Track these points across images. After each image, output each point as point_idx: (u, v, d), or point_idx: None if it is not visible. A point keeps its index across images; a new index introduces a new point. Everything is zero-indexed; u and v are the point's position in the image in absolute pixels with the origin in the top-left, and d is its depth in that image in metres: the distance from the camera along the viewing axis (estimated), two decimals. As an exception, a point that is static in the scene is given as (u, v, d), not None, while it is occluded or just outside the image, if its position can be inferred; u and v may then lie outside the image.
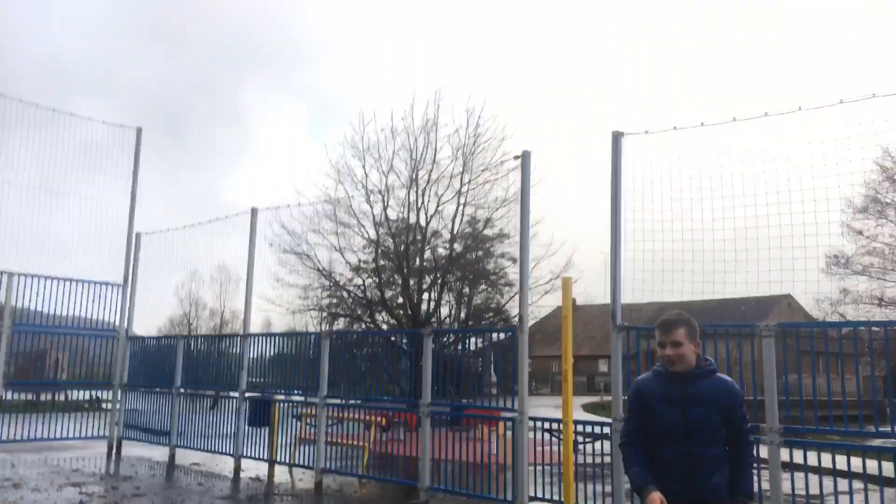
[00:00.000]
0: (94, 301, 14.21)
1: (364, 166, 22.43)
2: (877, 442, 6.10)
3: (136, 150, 15.01)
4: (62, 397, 17.85)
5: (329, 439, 10.51)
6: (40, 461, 11.51)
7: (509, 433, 8.64)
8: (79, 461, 11.65)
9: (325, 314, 25.41)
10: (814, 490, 5.99)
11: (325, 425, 10.35)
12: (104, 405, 17.71)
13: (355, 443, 10.89)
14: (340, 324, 25.60)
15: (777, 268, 6.49)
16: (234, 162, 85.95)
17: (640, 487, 3.38)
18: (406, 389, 10.22)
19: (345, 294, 23.69)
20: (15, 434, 13.55)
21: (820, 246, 6.33)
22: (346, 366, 10.94)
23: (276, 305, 23.04)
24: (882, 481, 6.07)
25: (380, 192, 22.12)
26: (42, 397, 17.58)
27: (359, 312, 24.56)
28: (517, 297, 22.02)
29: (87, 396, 17.90)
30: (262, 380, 12.11)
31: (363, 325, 23.88)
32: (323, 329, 24.57)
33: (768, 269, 6.57)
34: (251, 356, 11.93)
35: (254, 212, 12.42)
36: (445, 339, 13.25)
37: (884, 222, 27.89)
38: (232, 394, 12.10)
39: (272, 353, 12.14)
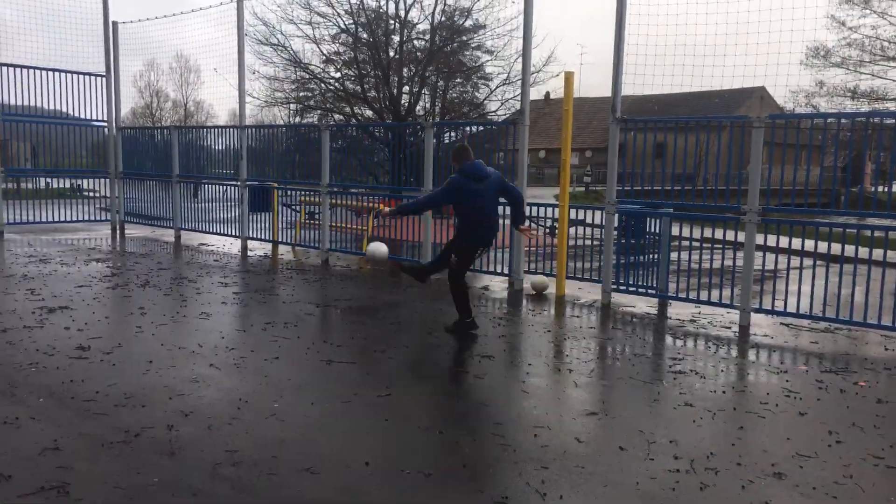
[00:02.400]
0: (78, 92, 14.14)
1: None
2: (839, 220, 7.13)
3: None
4: (41, 185, 18.25)
5: (331, 224, 11.40)
6: (54, 241, 12.21)
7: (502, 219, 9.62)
8: (91, 241, 12.38)
9: (297, 107, 25.34)
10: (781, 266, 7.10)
11: (328, 211, 11.18)
12: (87, 193, 18.24)
13: (355, 227, 11.94)
14: (314, 117, 25.65)
15: (760, 62, 7.04)
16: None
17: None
18: (405, 179, 10.94)
19: (322, 86, 23.48)
20: (23, 217, 14.17)
21: (804, 41, 6.87)
22: (344, 157, 11.60)
23: (254, 97, 22.88)
24: (829, 256, 7.23)
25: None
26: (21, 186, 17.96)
27: (329, 105, 24.56)
28: (498, 90, 22.26)
29: (66, 185, 18.35)
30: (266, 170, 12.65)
31: (334, 118, 24.01)
32: (293, 121, 24.69)
33: (754, 64, 7.12)
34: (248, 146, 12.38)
35: (240, 1, 12.14)
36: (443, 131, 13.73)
37: (867, 13, 28.01)
38: (233, 183, 12.71)
39: (266, 145, 12.60)
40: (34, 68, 13.45)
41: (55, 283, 8.11)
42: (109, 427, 3.84)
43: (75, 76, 14.02)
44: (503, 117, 21.42)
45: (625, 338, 6.50)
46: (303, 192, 12.34)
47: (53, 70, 13.69)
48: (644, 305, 7.94)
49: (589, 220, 9.64)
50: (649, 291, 8.04)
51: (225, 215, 13.43)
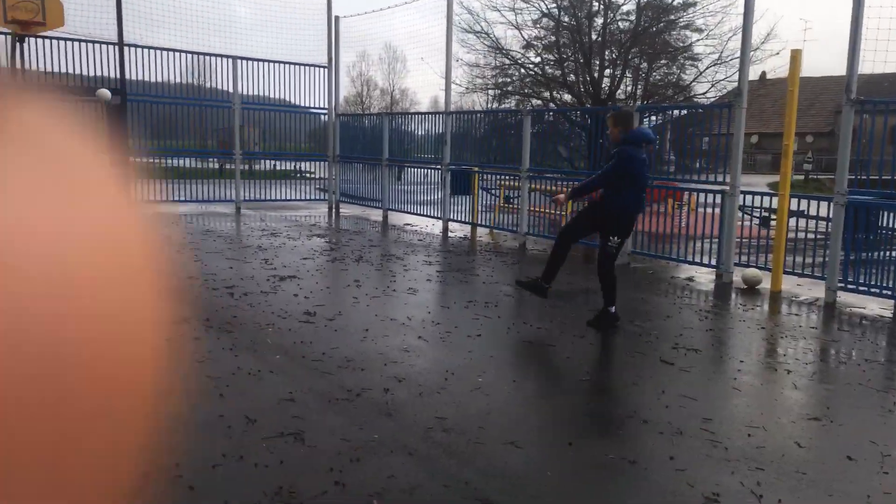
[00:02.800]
0: (302, 82, 15.56)
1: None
2: None
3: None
4: (269, 167, 20.29)
5: (530, 208, 11.52)
6: (281, 217, 13.59)
7: (704, 208, 9.12)
8: (310, 218, 13.62)
9: (496, 92, 25.76)
10: None
11: (528, 194, 11.30)
12: (307, 174, 20.02)
13: (553, 212, 11.93)
14: (512, 102, 25.94)
15: None
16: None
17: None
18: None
19: (521, 72, 23.65)
20: (256, 195, 15.93)
21: None
22: (544, 141, 11.65)
23: (456, 84, 23.67)
24: None
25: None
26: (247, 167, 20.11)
27: (528, 91, 24.66)
28: (708, 71, 20.95)
29: (290, 167, 20.28)
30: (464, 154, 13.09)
31: (532, 103, 24.06)
32: (491, 107, 25.09)
33: None
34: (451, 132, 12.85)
35: (449, -12, 12.59)
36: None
37: None
38: (436, 166, 13.28)
39: (467, 131, 12.99)
40: (266, 61, 14.98)
41: (284, 255, 9.05)
42: (335, 385, 4.24)
43: (301, 68, 15.42)
44: (712, 100, 20.14)
45: (853, 340, 5.89)
46: (501, 177, 12.59)
47: (282, 62, 15.15)
48: (876, 307, 7.12)
49: (808, 212, 8.82)
50: (884, 292, 7.19)
51: (427, 197, 14.09)
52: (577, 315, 6.36)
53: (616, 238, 5.70)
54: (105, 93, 10.45)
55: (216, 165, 19.99)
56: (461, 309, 6.42)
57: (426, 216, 13.72)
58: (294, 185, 17.01)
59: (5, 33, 12.30)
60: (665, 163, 10.68)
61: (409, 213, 14.13)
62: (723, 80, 20.38)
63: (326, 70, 15.69)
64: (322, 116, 16.29)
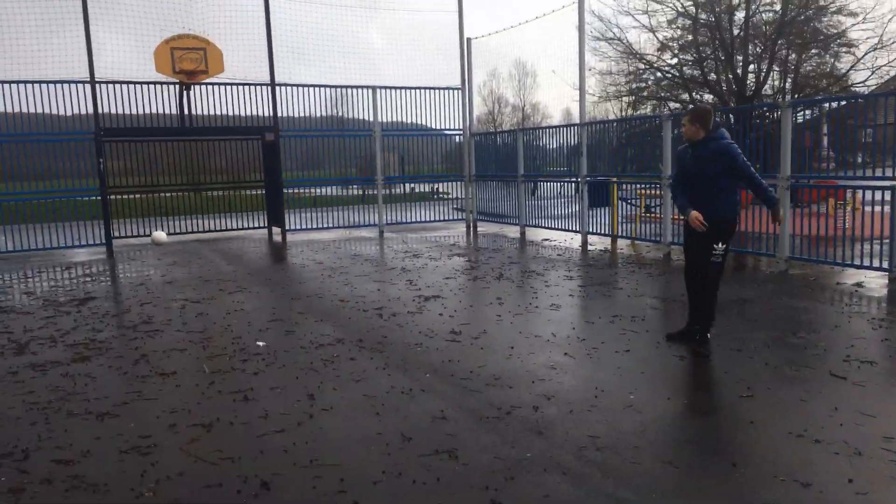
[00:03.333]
0: (436, 105, 16.00)
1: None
2: None
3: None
4: (407, 190, 20.93)
5: (673, 216, 11.09)
6: (422, 239, 14.00)
7: (875, 206, 8.35)
8: (450, 238, 13.91)
9: (630, 99, 25.11)
10: None
11: (670, 204, 10.90)
12: (441, 195, 20.47)
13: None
14: (647, 108, 25.16)
15: None
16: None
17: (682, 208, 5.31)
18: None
19: (657, 75, 22.94)
20: (396, 218, 16.53)
21: None
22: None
23: (589, 94, 23.40)
24: None
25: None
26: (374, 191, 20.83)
27: (664, 94, 23.81)
28: (866, 57, 19.27)
29: (426, 189, 20.81)
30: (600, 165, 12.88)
31: (669, 107, 23.18)
32: (625, 114, 24.43)
33: None
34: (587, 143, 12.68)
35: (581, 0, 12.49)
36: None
37: None
38: (572, 179, 13.14)
39: (600, 141, 12.74)
40: (402, 88, 15.53)
41: (427, 275, 9.31)
42: (484, 403, 4.30)
43: (435, 91, 15.87)
44: (873, 88, 18.49)
45: None
46: (641, 186, 12.23)
47: (417, 88, 15.66)
48: None
49: None
50: None
51: (563, 211, 13.96)
52: (732, 328, 6.03)
53: (721, 245, 5.15)
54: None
55: (358, 192, 20.98)
56: (606, 324, 6.30)
57: (564, 230, 13.61)
58: (432, 206, 17.50)
59: (173, 83, 13.68)
60: (823, 160, 9.94)
61: (547, 227, 14.08)
62: (885, 65, 18.64)
63: (460, 91, 16.05)
64: (457, 137, 16.65)
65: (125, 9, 13.55)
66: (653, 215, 12.09)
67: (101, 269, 11.02)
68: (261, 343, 5.95)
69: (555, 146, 14.18)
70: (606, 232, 12.60)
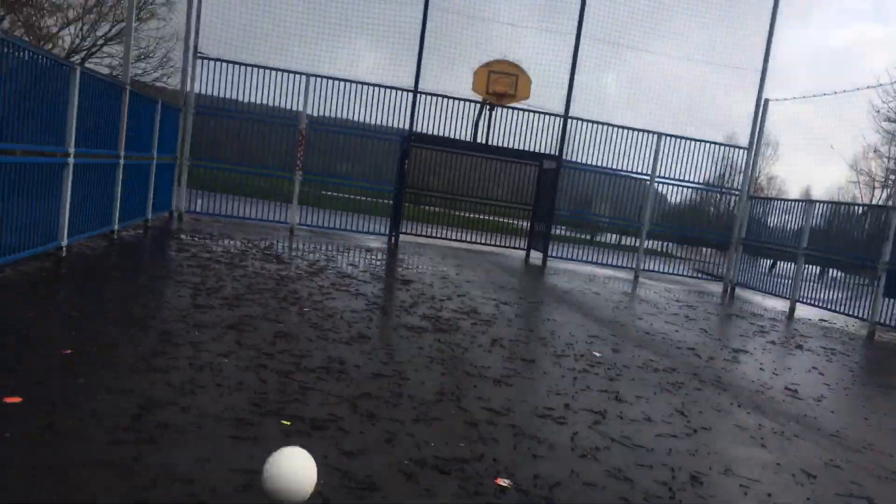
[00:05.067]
0: (717, 161, 15.80)
1: None
2: None
3: (772, 11, 15.36)
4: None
5: None
6: (663, 289, 13.86)
7: None
8: (703, 296, 13.60)
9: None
10: None
11: None
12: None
13: None
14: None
15: None
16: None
17: None
18: None
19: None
20: (654, 267, 16.47)
21: None
22: None
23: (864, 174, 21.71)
24: None
25: None
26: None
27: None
28: None
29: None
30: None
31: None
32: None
33: None
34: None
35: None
36: None
37: None
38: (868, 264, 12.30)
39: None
40: (687, 139, 15.53)
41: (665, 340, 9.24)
42: None
43: (718, 147, 15.69)
44: None
45: None
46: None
47: (703, 141, 15.58)
48: None
49: None
50: None
51: (816, 293, 13.04)
52: None
53: None
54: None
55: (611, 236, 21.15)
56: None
57: (842, 313, 12.68)
58: (675, 260, 17.26)
59: (475, 101, 14.93)
60: None
61: (820, 307, 13.21)
62: None
63: (746, 151, 15.71)
64: (732, 197, 16.27)
65: (447, 37, 15.09)
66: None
67: (383, 257, 12.32)
68: (597, 353, 6.39)
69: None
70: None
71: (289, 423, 3.67)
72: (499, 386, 4.88)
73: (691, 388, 5.60)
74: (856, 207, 13.51)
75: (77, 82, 7.42)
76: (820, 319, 12.50)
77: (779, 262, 14.43)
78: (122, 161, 9.39)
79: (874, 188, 25.11)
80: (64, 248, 7.54)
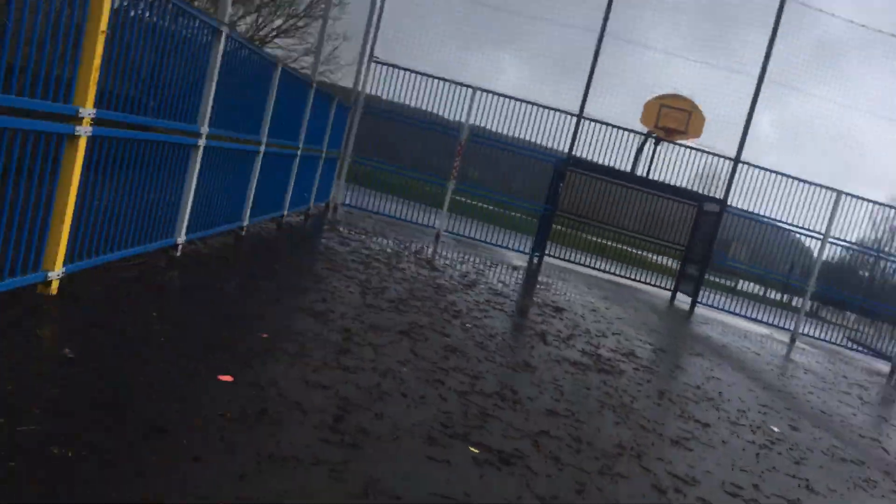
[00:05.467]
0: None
1: None
2: None
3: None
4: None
5: None
6: (825, 359, 12.72)
7: None
8: (871, 375, 12.39)
9: None
10: None
11: None
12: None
13: None
14: None
15: None
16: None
17: None
18: None
19: None
20: (807, 330, 15.30)
21: None
22: None
23: None
24: None
25: None
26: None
27: None
28: None
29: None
30: None
31: None
32: None
33: None
34: None
35: None
36: None
37: None
38: None
39: None
40: (863, 199, 14.31)
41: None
42: None
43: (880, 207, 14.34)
44: None
45: None
46: None
47: (878, 203, 14.29)
48: None
49: None
50: None
51: None
52: None
53: None
54: None
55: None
56: None
57: None
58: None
59: (637, 132, 14.47)
60: None
61: None
62: None
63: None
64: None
65: (616, 65, 14.73)
66: None
67: (530, 277, 12.11)
68: (775, 428, 5.89)
69: None
70: None
71: (477, 452, 3.56)
72: (678, 448, 4.57)
73: (887, 490, 5.02)
74: None
75: (277, 77, 7.78)
76: None
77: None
78: (299, 153, 9.79)
79: None
80: (245, 228, 7.93)
